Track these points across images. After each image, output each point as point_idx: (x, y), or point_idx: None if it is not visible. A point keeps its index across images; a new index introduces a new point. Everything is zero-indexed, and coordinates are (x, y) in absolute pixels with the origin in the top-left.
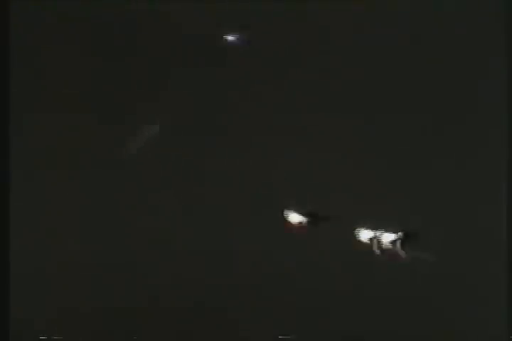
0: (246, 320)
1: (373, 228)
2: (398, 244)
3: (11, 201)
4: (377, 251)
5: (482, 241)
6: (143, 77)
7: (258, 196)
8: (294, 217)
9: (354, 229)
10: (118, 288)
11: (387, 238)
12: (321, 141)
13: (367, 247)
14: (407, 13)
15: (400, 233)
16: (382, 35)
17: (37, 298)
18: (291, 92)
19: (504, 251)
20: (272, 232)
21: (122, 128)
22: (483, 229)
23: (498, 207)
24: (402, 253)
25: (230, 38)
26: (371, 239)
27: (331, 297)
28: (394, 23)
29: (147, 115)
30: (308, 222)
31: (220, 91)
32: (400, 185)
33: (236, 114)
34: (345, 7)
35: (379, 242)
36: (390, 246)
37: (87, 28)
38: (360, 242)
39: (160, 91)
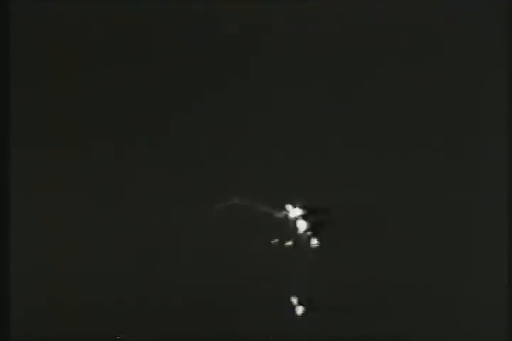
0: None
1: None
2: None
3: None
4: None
5: (482, 241)
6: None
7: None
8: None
9: None
10: (120, 285)
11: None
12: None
13: None
14: (408, 13)
15: None
16: (381, 35)
17: (37, 294)
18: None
19: (504, 251)
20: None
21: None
22: (483, 229)
23: (498, 207)
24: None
25: None
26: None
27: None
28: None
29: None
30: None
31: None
32: (396, 181)
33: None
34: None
35: None
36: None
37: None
38: None
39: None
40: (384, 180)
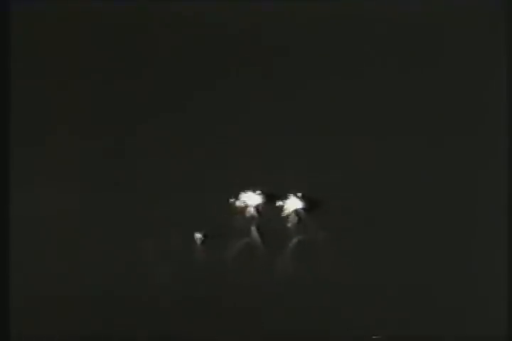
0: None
1: None
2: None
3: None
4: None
5: (482, 241)
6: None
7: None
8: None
9: None
10: (120, 285)
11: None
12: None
13: None
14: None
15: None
16: (380, 35)
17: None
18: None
19: (504, 251)
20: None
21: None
22: (483, 229)
23: (498, 208)
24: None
25: None
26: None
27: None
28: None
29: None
30: None
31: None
32: (401, 181)
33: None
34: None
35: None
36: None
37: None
38: None
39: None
40: (383, 180)
